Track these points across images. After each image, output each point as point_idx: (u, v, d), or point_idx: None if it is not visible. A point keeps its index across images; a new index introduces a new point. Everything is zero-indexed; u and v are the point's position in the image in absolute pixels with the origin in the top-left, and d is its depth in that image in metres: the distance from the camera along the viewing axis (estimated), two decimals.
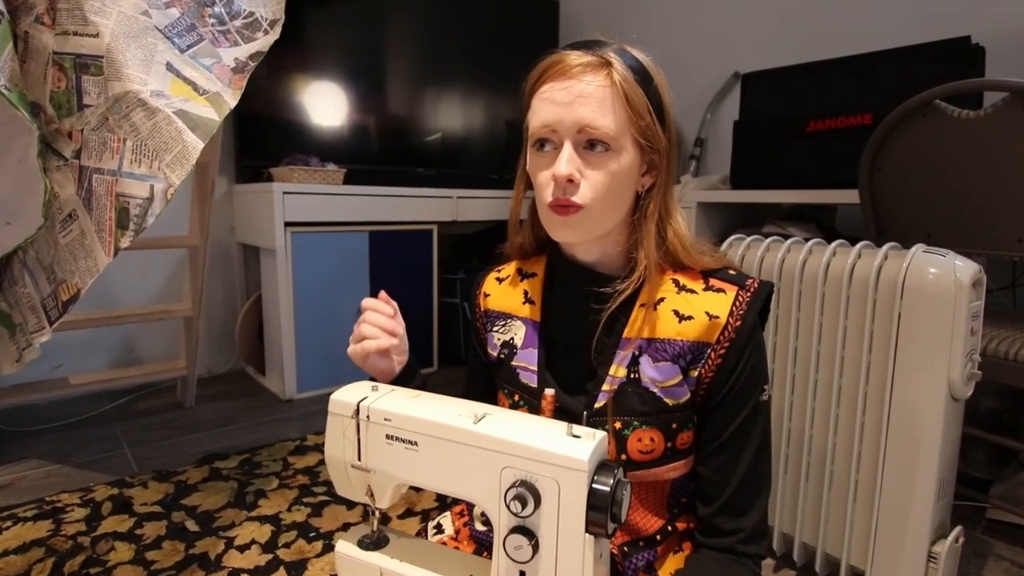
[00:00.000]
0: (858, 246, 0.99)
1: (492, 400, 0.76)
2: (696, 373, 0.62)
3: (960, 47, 1.46)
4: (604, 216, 0.62)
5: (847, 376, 0.98)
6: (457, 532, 0.76)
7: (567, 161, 0.59)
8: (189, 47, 1.14)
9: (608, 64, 0.59)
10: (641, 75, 0.60)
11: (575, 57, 0.60)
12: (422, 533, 0.82)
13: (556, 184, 0.60)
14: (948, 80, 1.14)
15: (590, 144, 0.60)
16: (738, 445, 0.63)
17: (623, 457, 0.63)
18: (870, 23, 1.95)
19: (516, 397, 0.70)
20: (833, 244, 1.02)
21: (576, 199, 0.60)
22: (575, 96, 0.59)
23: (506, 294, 0.74)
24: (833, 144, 1.61)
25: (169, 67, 1.10)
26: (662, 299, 0.64)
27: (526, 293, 0.73)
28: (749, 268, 1.10)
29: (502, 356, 0.72)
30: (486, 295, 0.76)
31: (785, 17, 2.19)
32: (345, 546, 0.63)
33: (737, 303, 0.62)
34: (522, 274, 0.74)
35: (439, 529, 0.78)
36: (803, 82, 1.76)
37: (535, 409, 0.68)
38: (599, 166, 0.60)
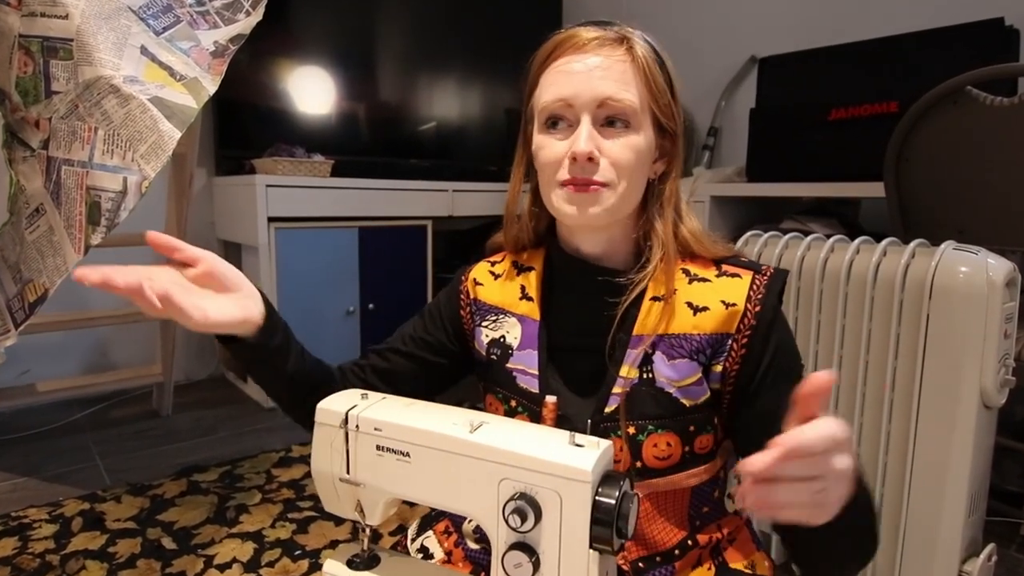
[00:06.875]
0: (883, 243, 0.99)
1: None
2: (720, 368, 0.62)
3: (992, 29, 1.46)
4: (623, 198, 0.61)
5: (871, 382, 0.98)
6: (449, 554, 0.75)
7: (587, 138, 0.59)
8: (165, 29, 1.14)
9: (626, 39, 0.61)
10: (657, 54, 0.62)
11: (590, 31, 0.61)
12: (399, 548, 0.81)
13: (574, 163, 0.60)
14: (980, 65, 1.14)
15: (608, 121, 0.60)
16: None
17: (638, 464, 0.62)
18: (896, 4, 1.95)
19: (513, 403, 0.69)
20: (856, 241, 1.02)
21: (597, 178, 0.60)
22: (593, 68, 0.59)
23: (501, 287, 0.73)
24: (857, 134, 1.61)
25: (144, 51, 1.10)
26: (674, 291, 0.64)
27: (523, 288, 0.72)
28: None
29: (493, 356, 0.71)
30: (477, 283, 0.75)
31: None
32: (333, 566, 0.63)
33: (754, 287, 0.62)
34: (518, 267, 0.74)
35: (426, 553, 0.77)
36: (824, 67, 1.76)
37: (535, 415, 0.67)
38: (619, 144, 0.60)
